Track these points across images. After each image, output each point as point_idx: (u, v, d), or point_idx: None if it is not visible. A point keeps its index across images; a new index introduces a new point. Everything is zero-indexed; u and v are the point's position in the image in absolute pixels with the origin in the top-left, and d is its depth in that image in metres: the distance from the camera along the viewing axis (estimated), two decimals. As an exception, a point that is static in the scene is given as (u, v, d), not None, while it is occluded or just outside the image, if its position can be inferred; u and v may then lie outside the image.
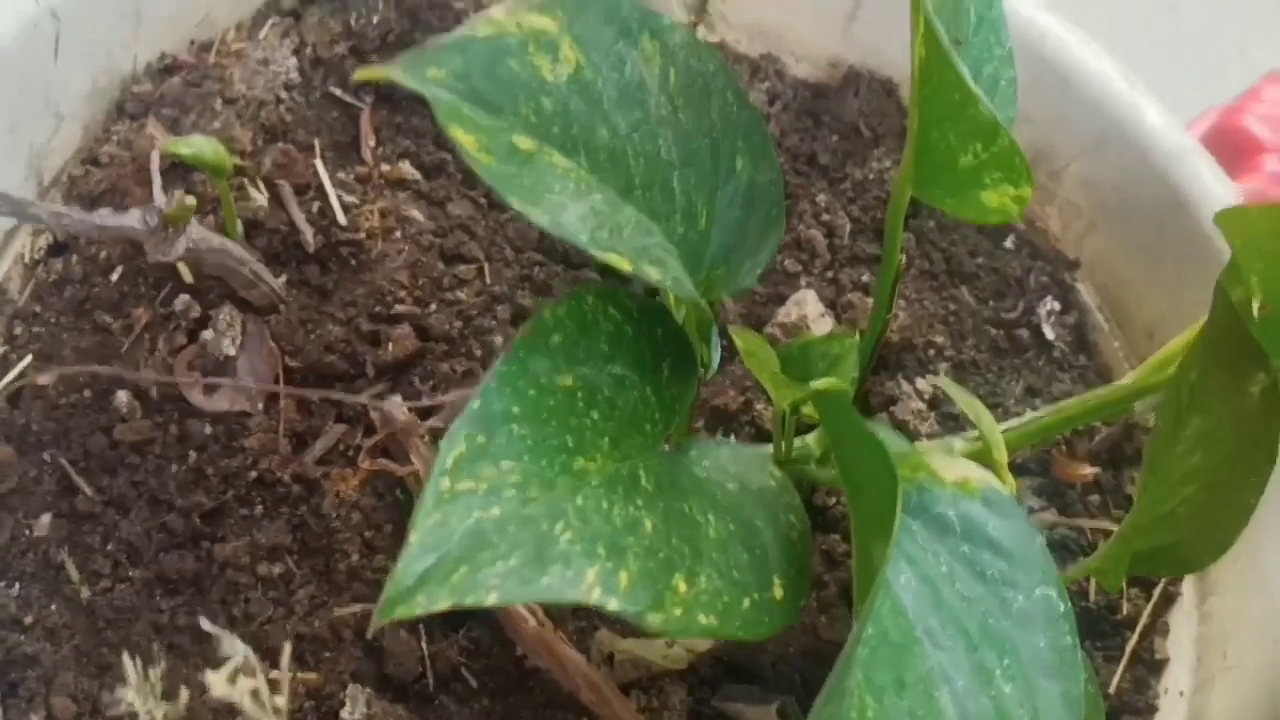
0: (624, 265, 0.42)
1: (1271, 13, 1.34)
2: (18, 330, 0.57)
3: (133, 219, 0.49)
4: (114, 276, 0.59)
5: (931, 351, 0.68)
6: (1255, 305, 0.48)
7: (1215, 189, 0.63)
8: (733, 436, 0.66)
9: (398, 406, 0.58)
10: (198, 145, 0.54)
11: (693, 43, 0.47)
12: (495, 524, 0.35)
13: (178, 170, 0.61)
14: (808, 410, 0.53)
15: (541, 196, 0.41)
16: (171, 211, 0.48)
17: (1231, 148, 1.14)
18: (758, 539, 0.45)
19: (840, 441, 0.45)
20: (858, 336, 0.58)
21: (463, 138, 0.39)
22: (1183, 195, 0.64)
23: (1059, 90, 0.68)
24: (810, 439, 0.59)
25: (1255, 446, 0.47)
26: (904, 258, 0.70)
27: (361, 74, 0.39)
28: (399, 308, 0.62)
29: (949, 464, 0.47)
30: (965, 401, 0.58)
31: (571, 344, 0.44)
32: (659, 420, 0.47)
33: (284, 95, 0.64)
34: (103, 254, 0.59)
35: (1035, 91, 0.67)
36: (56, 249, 0.59)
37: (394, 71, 0.39)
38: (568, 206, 0.41)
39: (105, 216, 0.48)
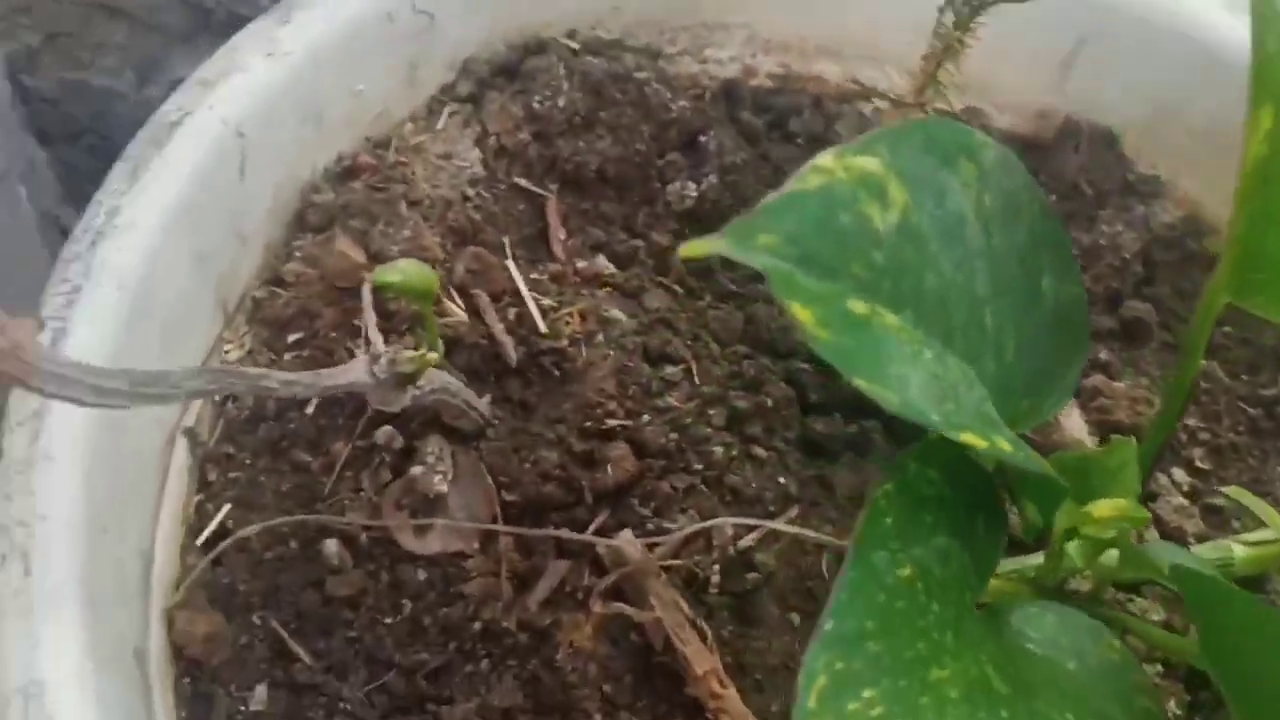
0: (979, 444, 0.36)
1: None
2: (212, 476, 0.52)
3: (359, 372, 0.43)
4: (309, 409, 0.53)
5: (1184, 436, 0.62)
6: None
7: None
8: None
9: (631, 544, 0.52)
10: (407, 273, 0.48)
11: (1004, 160, 0.41)
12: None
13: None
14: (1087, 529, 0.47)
15: (883, 369, 0.35)
16: (406, 370, 0.42)
17: None
18: (1118, 733, 0.39)
19: (1213, 627, 0.38)
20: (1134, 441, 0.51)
21: (801, 313, 0.34)
22: None
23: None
24: (1071, 548, 0.52)
25: None
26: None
27: (687, 250, 0.33)
28: (611, 422, 0.56)
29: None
30: (1263, 510, 0.52)
31: (903, 525, 0.38)
32: (974, 586, 0.41)
33: (469, 192, 0.59)
34: (295, 385, 0.53)
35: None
36: (245, 381, 0.53)
37: (721, 245, 0.33)
38: (908, 377, 0.36)
39: (332, 375, 0.42)
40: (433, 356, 0.43)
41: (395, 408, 0.46)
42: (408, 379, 0.43)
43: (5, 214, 0.71)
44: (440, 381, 0.48)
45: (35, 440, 0.40)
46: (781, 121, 0.69)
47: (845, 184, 0.35)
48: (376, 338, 0.46)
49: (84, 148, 0.85)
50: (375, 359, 0.44)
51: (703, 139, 0.66)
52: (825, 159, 0.35)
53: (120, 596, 0.43)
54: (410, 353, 0.43)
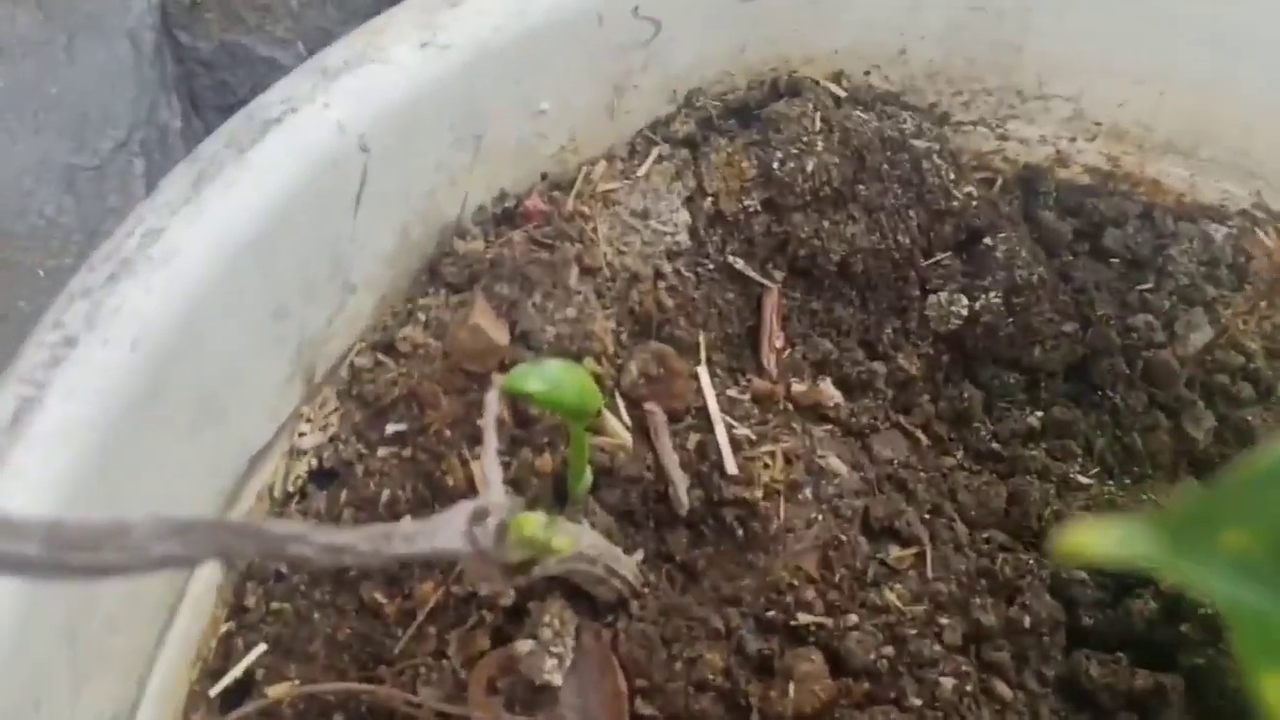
0: None
1: None
2: (250, 600, 0.39)
3: (451, 535, 0.28)
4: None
5: None
6: None
7: None
8: None
9: (805, 821, 0.36)
10: (557, 383, 0.34)
11: None
12: None
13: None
14: None
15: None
16: (517, 557, 0.27)
17: None
18: None
19: None
20: None
21: (1270, 689, 0.17)
22: None
23: None
24: None
25: None
26: None
27: (1071, 542, 0.16)
28: (804, 617, 0.41)
29: None
30: None
31: None
32: None
33: (665, 266, 0.44)
34: (386, 492, 0.39)
35: None
36: (323, 476, 0.40)
37: (1143, 543, 0.16)
38: None
39: (409, 537, 0.28)
40: (564, 544, 0.28)
41: (504, 587, 0.31)
42: (520, 568, 0.28)
43: (115, 194, 0.60)
44: (578, 548, 0.33)
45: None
46: (1095, 231, 0.52)
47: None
48: (494, 473, 0.32)
49: (234, 124, 0.74)
50: (479, 515, 0.29)
51: (987, 241, 0.49)
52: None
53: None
54: (534, 521, 0.28)
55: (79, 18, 0.65)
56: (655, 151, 0.46)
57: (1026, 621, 0.44)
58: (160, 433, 0.32)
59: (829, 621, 0.42)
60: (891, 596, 0.43)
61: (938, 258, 0.49)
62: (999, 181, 0.53)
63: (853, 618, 0.42)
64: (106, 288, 0.30)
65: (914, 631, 0.43)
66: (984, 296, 0.48)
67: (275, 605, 0.39)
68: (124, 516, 0.23)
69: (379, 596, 0.39)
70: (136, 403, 0.31)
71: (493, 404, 0.34)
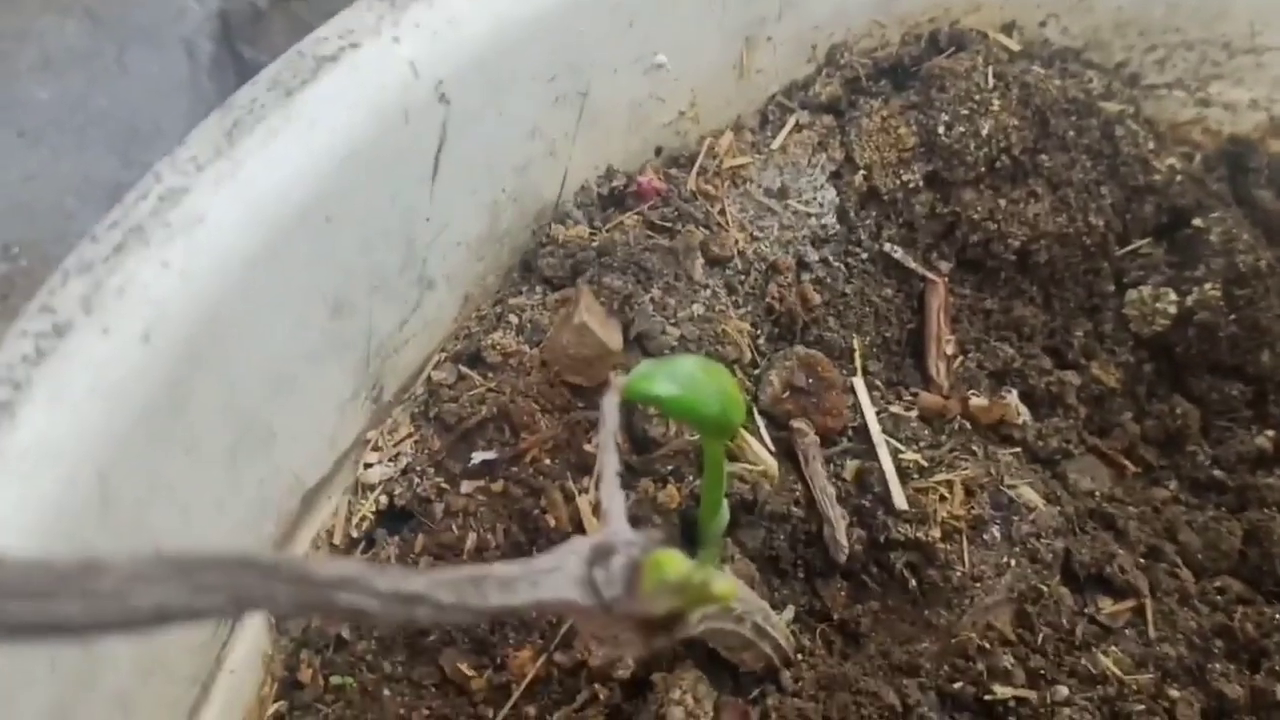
0: None
1: None
2: (304, 673, 0.31)
3: (565, 583, 0.21)
4: (486, 583, 0.31)
5: None
6: None
7: None
8: None
9: None
10: (690, 382, 0.27)
11: None
12: None
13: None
14: None
15: None
16: (661, 607, 0.19)
17: None
18: None
19: None
20: None
21: None
22: None
23: None
24: None
25: None
26: None
27: None
28: (1001, 689, 0.33)
29: None
30: None
31: None
32: None
33: (811, 255, 0.36)
34: (473, 536, 0.32)
35: None
36: (394, 518, 0.33)
37: None
38: None
39: (504, 582, 0.20)
40: (725, 590, 0.20)
41: (629, 654, 0.23)
42: (662, 626, 0.20)
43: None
44: (718, 607, 0.25)
45: None
46: (1321, 214, 0.43)
47: None
48: (616, 500, 0.24)
49: (301, 144, 0.68)
50: (600, 555, 0.22)
51: (1196, 222, 0.41)
52: None
53: None
54: (677, 560, 0.21)
55: (131, 27, 0.60)
56: (792, 119, 0.38)
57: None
58: (185, 457, 0.25)
59: (1033, 695, 0.34)
60: (1108, 662, 0.35)
61: (1136, 245, 0.41)
62: (1198, 155, 0.44)
63: (1062, 690, 0.34)
64: (111, 262, 0.23)
65: (1140, 707, 0.34)
66: (1197, 290, 0.40)
67: (336, 680, 0.32)
68: (95, 553, 0.16)
69: (464, 668, 0.32)
70: (151, 413, 0.24)
71: (611, 411, 0.26)
